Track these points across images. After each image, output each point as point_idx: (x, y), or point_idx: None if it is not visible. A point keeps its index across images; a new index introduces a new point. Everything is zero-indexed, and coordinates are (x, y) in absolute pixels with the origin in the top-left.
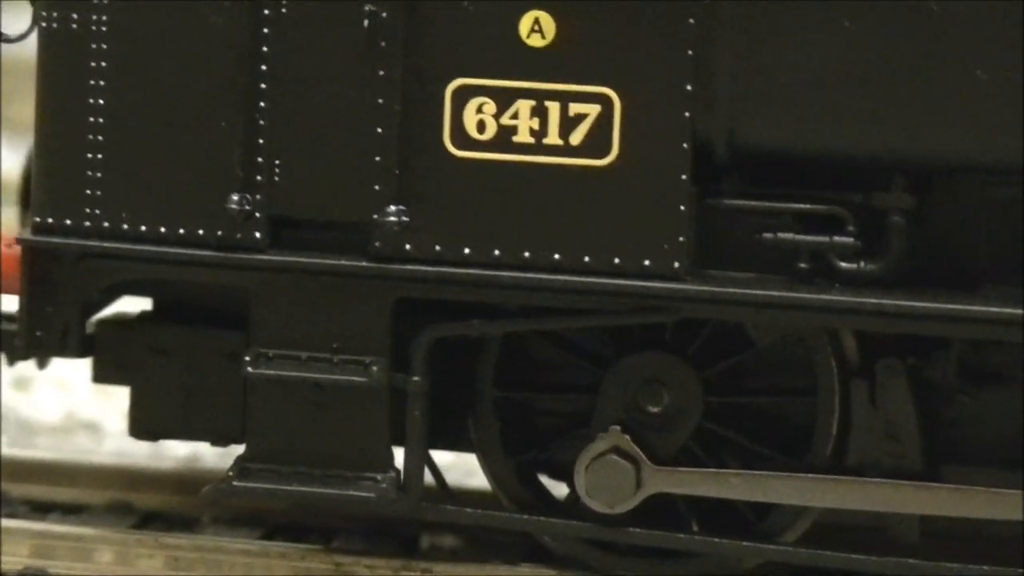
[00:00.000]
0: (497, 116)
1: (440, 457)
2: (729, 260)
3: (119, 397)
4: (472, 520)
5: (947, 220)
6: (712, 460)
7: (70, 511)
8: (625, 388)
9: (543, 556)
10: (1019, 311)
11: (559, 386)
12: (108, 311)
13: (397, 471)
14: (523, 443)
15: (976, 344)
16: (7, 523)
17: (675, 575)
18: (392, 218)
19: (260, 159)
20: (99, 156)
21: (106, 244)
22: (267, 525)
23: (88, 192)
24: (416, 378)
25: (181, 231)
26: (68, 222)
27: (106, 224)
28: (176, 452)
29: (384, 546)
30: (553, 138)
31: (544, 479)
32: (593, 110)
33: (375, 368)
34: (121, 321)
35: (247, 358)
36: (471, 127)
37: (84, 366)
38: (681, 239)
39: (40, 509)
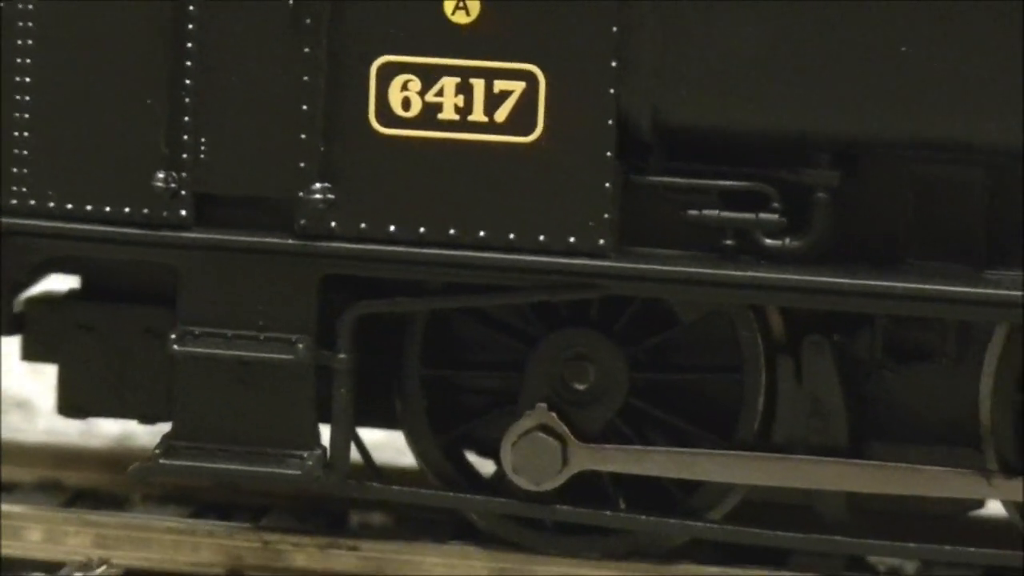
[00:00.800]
0: (422, 93)
1: (372, 435)
2: (655, 237)
3: (51, 375)
4: (398, 497)
5: (871, 197)
6: (639, 437)
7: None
8: (551, 365)
9: (473, 534)
10: (943, 287)
11: (486, 363)
12: (38, 289)
13: (323, 449)
14: (450, 420)
15: (901, 320)
16: None
17: (601, 552)
18: (317, 196)
19: (185, 137)
20: (25, 134)
21: (32, 222)
22: (197, 503)
23: (14, 170)
24: (342, 355)
25: (107, 209)
26: None
27: (32, 202)
28: (108, 430)
29: (313, 524)
30: (478, 115)
31: (472, 456)
32: (518, 87)
33: (300, 346)
34: (49, 299)
35: (173, 336)
36: (396, 104)
37: (14, 344)
38: (606, 216)
39: None
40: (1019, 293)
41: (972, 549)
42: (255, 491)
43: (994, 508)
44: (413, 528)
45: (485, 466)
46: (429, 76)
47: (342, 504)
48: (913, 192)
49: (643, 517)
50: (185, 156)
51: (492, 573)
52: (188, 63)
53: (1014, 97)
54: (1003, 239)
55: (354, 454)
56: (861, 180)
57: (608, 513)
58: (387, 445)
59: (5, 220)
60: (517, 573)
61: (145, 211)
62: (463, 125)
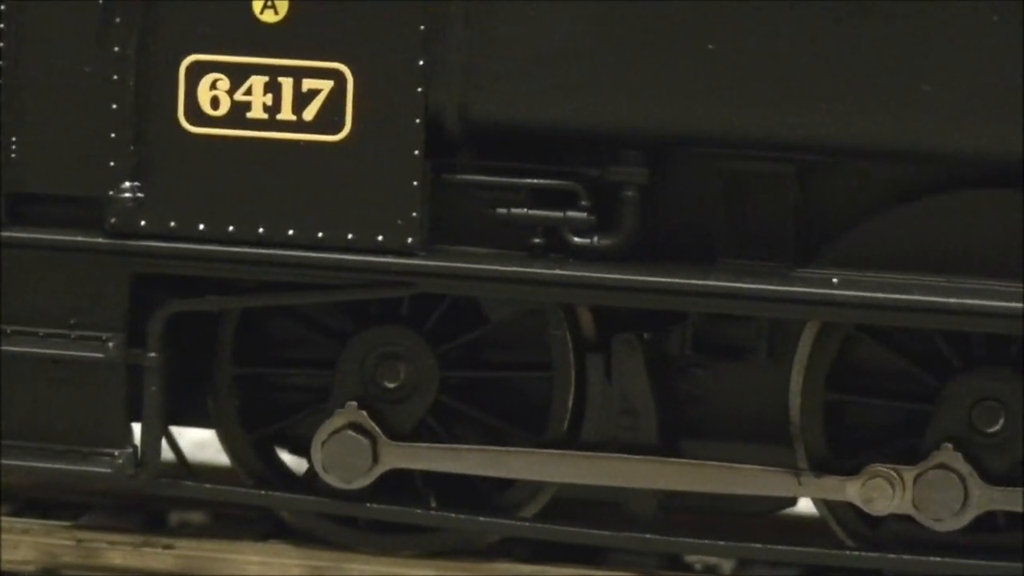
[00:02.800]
0: (231, 92)
1: (197, 434)
2: (466, 235)
3: None
4: (210, 496)
5: (682, 194)
6: (450, 435)
7: None
8: (362, 363)
9: (292, 533)
10: (753, 285)
11: (298, 362)
12: None
13: (135, 447)
14: (263, 419)
15: (712, 318)
16: None
17: (415, 550)
18: (127, 194)
19: None
20: None
21: None
22: (20, 501)
23: None
24: (153, 354)
25: None
26: None
27: None
28: None
29: (131, 522)
30: (287, 114)
31: (290, 455)
32: (326, 86)
33: (111, 344)
34: None
35: None
36: (205, 103)
37: None
38: (414, 214)
39: None
40: (830, 292)
41: (784, 547)
42: (76, 490)
43: (809, 506)
44: (231, 527)
45: (302, 465)
46: (238, 75)
47: (161, 503)
48: (723, 189)
49: (454, 515)
50: None
51: (306, 571)
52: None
53: (824, 92)
54: (814, 237)
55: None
56: (671, 177)
57: (419, 511)
58: (211, 443)
59: None
60: (331, 571)
61: None
62: (272, 124)
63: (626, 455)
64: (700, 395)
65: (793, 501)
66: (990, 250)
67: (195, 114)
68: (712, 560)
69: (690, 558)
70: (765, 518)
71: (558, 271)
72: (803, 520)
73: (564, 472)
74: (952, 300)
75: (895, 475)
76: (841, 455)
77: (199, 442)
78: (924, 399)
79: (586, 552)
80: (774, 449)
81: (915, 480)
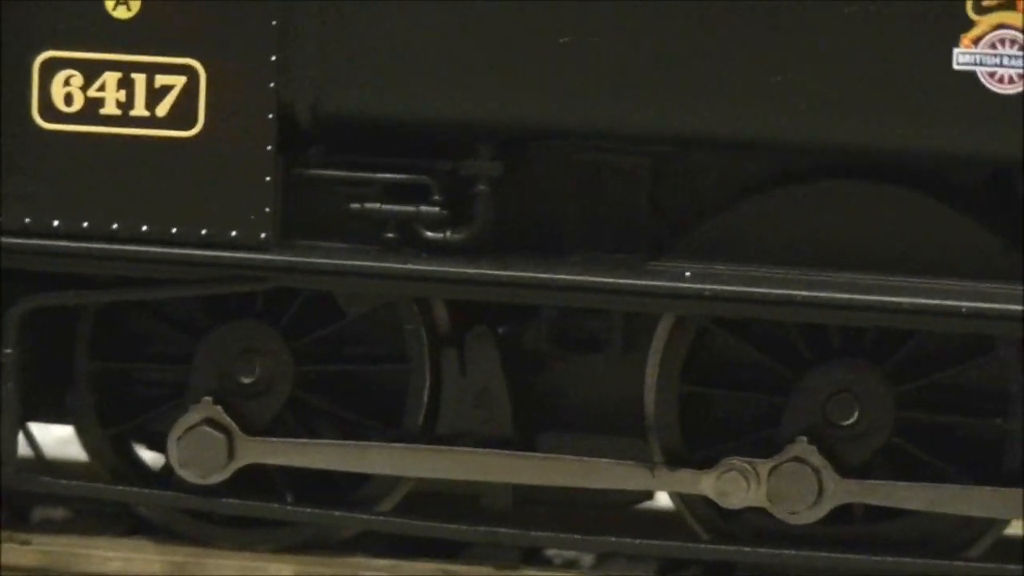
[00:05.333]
0: (84, 88)
1: (61, 431)
2: (320, 230)
3: None
4: (67, 491)
5: (536, 187)
6: (307, 430)
7: None
8: (218, 358)
9: (156, 529)
10: (607, 278)
11: (157, 357)
12: None
13: None
14: (120, 415)
15: (567, 311)
16: None
17: (274, 545)
18: None
19: None
20: None
21: None
22: None
23: None
24: (8, 350)
25: None
26: None
27: None
28: None
29: None
30: (140, 110)
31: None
32: (179, 82)
33: None
34: None
35: None
36: (59, 100)
37: None
38: (268, 209)
39: None
40: (683, 285)
41: (639, 541)
42: None
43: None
44: (94, 523)
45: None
46: (91, 71)
47: (23, 499)
48: (577, 182)
49: (309, 510)
50: None
51: (166, 567)
52: None
53: (676, 84)
54: (668, 230)
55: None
56: (525, 170)
57: (275, 506)
58: (75, 440)
59: None
60: (192, 566)
61: None
62: (125, 120)
63: (480, 449)
64: (556, 388)
65: (650, 495)
66: (845, 242)
67: (49, 111)
68: (572, 554)
69: (550, 552)
70: (626, 511)
71: (410, 265)
72: (662, 514)
73: (418, 466)
74: (805, 292)
75: (749, 468)
76: (697, 448)
77: (64, 439)
78: (779, 392)
79: (444, 546)
80: (630, 442)
81: (769, 473)
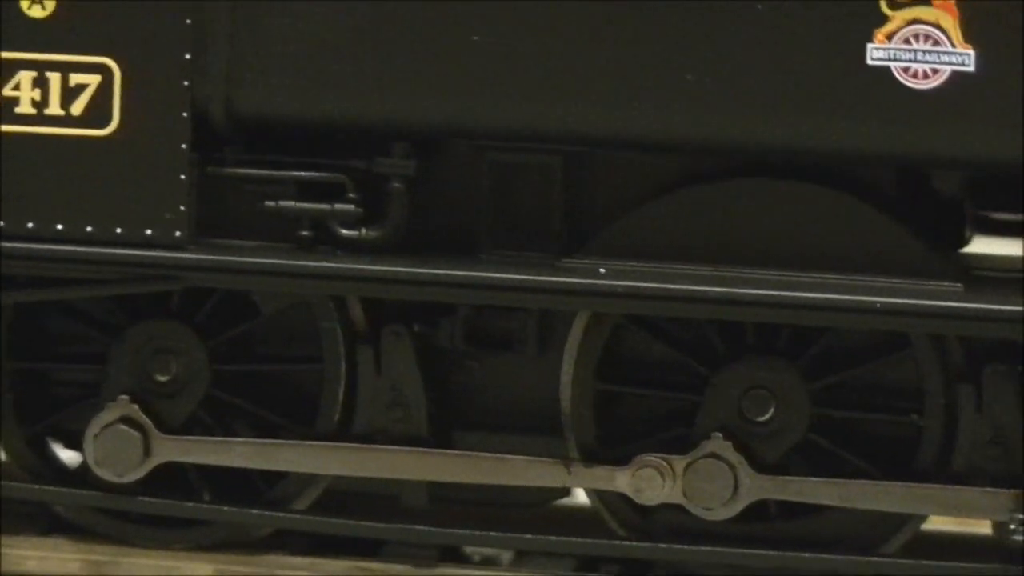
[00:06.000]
0: None
1: None
2: (235, 229)
3: None
4: None
5: (450, 186)
6: (224, 429)
7: None
8: (134, 357)
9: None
10: (521, 276)
11: (75, 356)
12: None
13: None
14: (38, 414)
15: (483, 310)
16: None
17: (190, 543)
18: None
19: None
20: None
21: None
22: None
23: None
24: None
25: None
26: None
27: None
28: None
29: None
30: (55, 109)
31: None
32: (94, 80)
33: None
34: None
35: None
36: None
37: None
38: (182, 208)
39: None
40: (597, 282)
41: (556, 538)
42: None
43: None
44: (12, 522)
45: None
46: (6, 70)
47: None
48: (491, 181)
49: (225, 508)
50: None
51: (84, 565)
52: None
53: (588, 83)
54: (583, 228)
55: None
56: (439, 169)
57: (190, 504)
58: None
59: None
60: (109, 565)
61: None
62: (40, 119)
63: (394, 447)
64: (473, 387)
65: (567, 492)
66: (760, 239)
67: None
68: (491, 552)
69: (469, 550)
70: (545, 509)
71: (324, 263)
72: (580, 511)
73: (333, 464)
74: (718, 289)
75: (665, 465)
76: (614, 446)
77: None
78: (695, 389)
79: (362, 544)
80: (548, 440)
81: (685, 470)
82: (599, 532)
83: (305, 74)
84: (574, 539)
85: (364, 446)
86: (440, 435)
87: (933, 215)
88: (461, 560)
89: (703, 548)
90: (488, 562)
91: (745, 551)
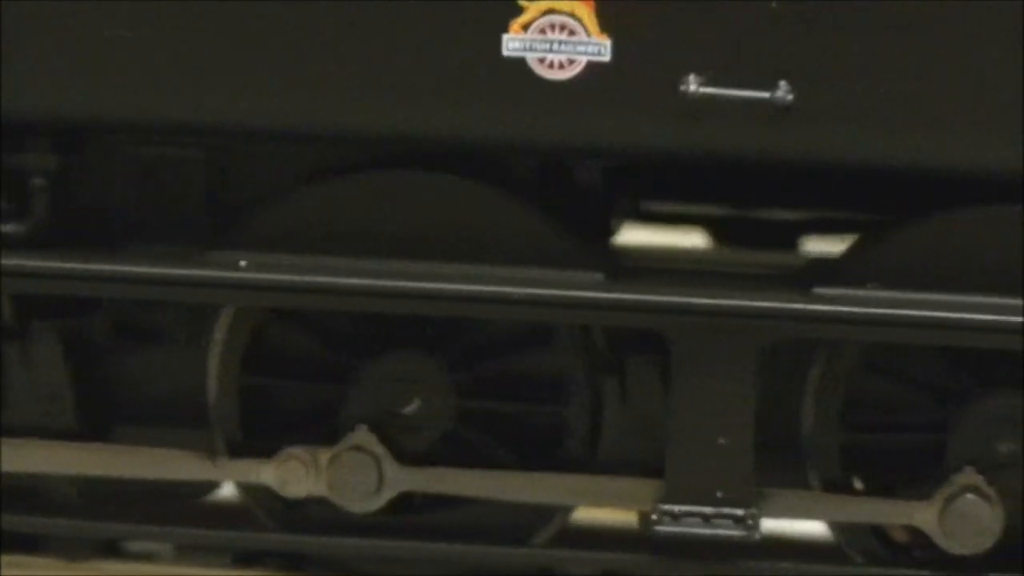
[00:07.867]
0: None
1: None
2: None
3: None
4: None
5: (96, 180)
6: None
7: None
8: None
9: None
10: (163, 269)
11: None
12: None
13: None
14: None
15: (133, 303)
16: None
17: None
18: None
19: None
20: None
21: None
22: None
23: None
24: None
25: None
26: None
27: None
28: None
29: None
30: None
31: None
32: None
33: None
34: None
35: None
36: None
37: None
38: None
39: None
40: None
41: (206, 531)
42: None
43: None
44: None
45: None
46: None
47: None
48: (134, 174)
49: None
50: None
51: None
52: None
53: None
54: (232, 221)
55: None
56: (84, 163)
57: None
58: None
59: None
60: None
61: None
62: None
63: (41, 440)
64: (123, 380)
65: (216, 485)
66: (403, 231)
67: None
68: (153, 546)
69: (133, 545)
70: (204, 503)
71: None
72: (238, 505)
73: None
74: (358, 281)
75: (309, 457)
76: (261, 439)
77: None
78: (341, 381)
79: (15, 540)
80: (199, 434)
81: (330, 462)
82: (252, 526)
83: None
84: (224, 533)
85: (11, 440)
86: (92, 429)
87: (578, 206)
88: (122, 555)
89: (348, 541)
90: (149, 557)
91: (391, 543)
